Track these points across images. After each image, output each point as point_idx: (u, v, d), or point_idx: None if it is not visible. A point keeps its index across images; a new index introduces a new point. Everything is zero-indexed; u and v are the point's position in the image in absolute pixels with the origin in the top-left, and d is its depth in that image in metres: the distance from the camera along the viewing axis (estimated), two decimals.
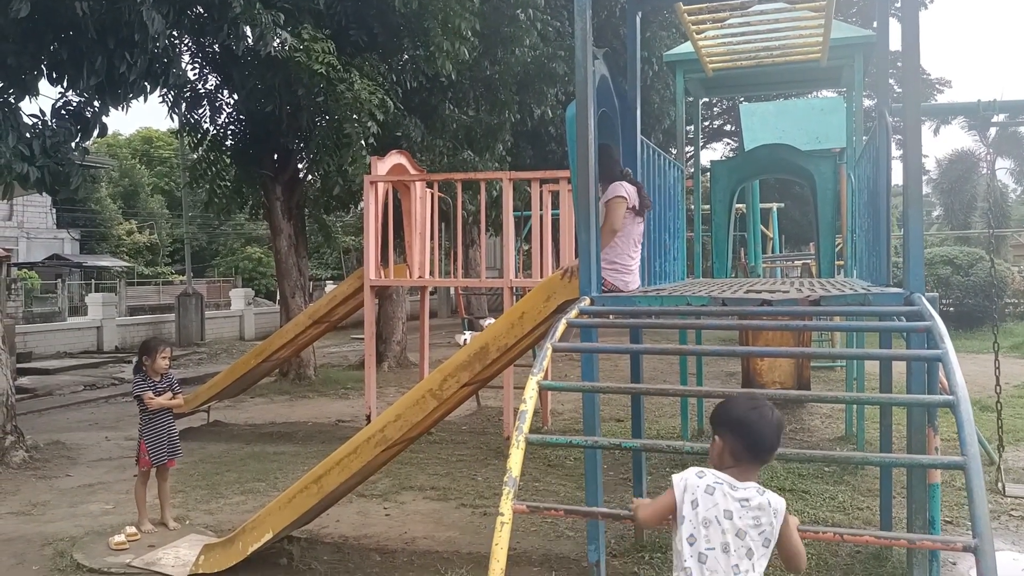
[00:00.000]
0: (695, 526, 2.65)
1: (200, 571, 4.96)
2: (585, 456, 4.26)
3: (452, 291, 26.60)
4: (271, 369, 10.71)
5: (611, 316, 4.10)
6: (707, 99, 15.78)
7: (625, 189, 4.82)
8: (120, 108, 7.99)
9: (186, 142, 13.79)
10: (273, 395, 12.28)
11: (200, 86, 12.91)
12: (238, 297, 24.66)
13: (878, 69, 4.93)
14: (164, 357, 5.89)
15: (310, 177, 13.48)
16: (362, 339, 21.35)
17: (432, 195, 9.32)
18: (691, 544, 2.65)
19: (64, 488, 7.12)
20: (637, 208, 4.83)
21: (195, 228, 37.72)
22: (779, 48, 6.48)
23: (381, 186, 8.60)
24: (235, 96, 12.86)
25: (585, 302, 4.02)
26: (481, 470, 7.41)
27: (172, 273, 40.56)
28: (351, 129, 11.13)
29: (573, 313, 3.80)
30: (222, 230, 47.39)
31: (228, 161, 13.06)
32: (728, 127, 33.55)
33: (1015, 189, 38.47)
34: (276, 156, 13.02)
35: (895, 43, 4.94)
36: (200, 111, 13.03)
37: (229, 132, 13.07)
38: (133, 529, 5.66)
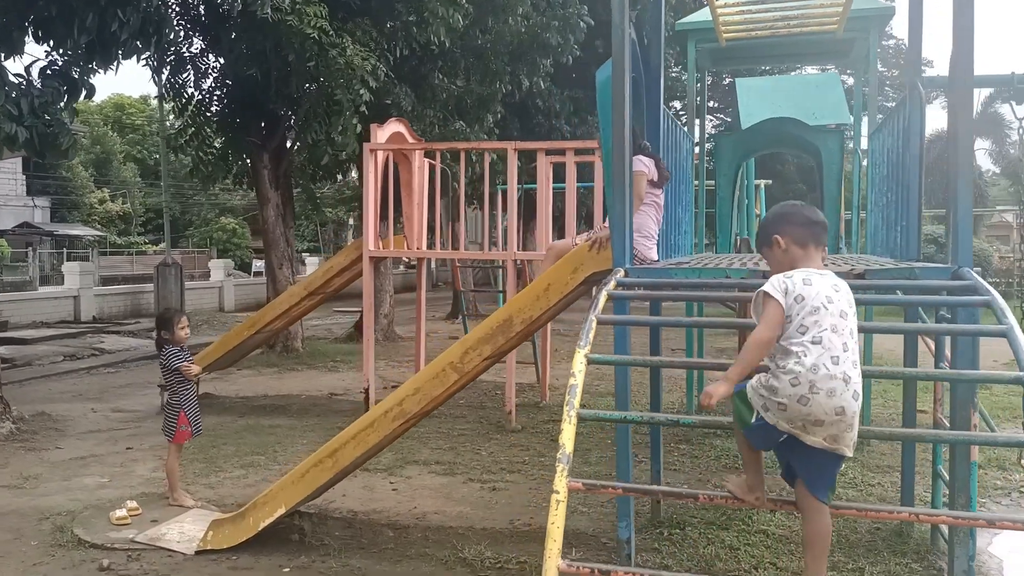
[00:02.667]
0: (804, 317, 2.84)
1: (209, 547, 4.82)
2: (617, 431, 4.14)
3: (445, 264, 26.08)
4: (263, 341, 10.51)
5: (642, 288, 3.97)
6: (712, 72, 15.58)
7: (643, 163, 4.71)
8: (110, 69, 7.69)
9: (170, 108, 13.40)
10: (261, 367, 12.08)
11: (184, 49, 12.54)
12: (218, 268, 24.28)
13: (910, 39, 4.82)
14: (183, 327, 5.71)
15: (298, 145, 13.17)
16: (346, 312, 21.13)
17: (431, 165, 9.11)
18: (803, 333, 2.83)
19: (55, 461, 6.91)
20: (656, 180, 4.73)
21: (168, 197, 37.17)
22: (798, 17, 6.35)
23: (380, 154, 8.38)
24: (221, 60, 12.52)
25: (620, 274, 3.90)
26: (484, 444, 7.30)
27: (145, 243, 39.78)
28: (342, 96, 10.86)
29: (611, 284, 3.68)
30: (196, 200, 46.65)
31: (214, 128, 12.72)
32: (712, 103, 33.43)
33: (987, 171, 38.84)
34: (263, 123, 12.71)
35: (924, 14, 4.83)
36: (184, 75, 12.67)
37: (215, 98, 12.73)
38: (134, 503, 5.49)
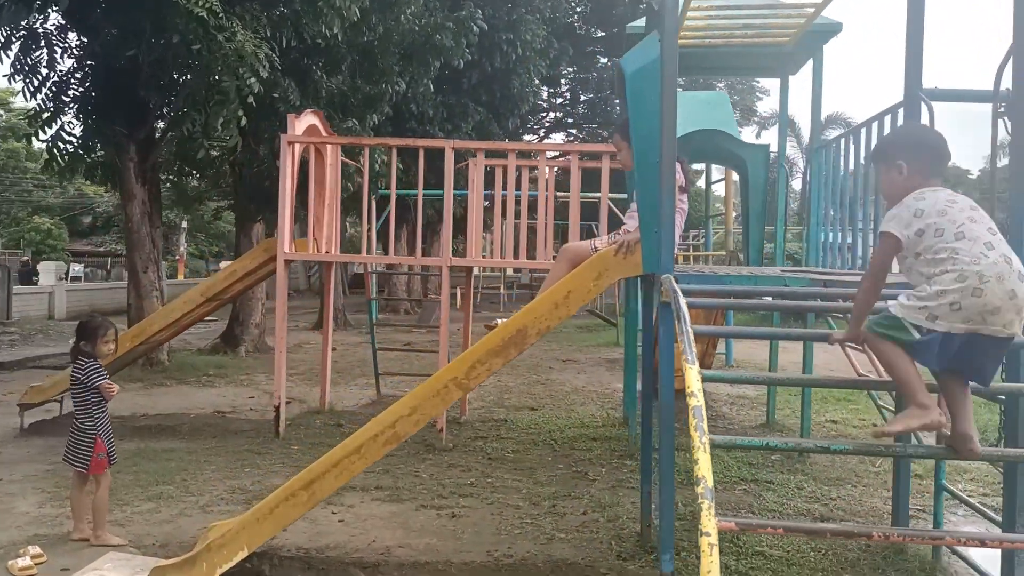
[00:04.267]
0: (934, 221, 2.82)
1: None
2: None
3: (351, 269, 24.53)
4: (144, 354, 9.37)
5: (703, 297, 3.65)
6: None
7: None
8: None
9: (19, 88, 11.86)
10: (123, 383, 10.70)
11: (39, 25, 11.11)
12: (48, 272, 21.96)
13: (909, 48, 4.78)
14: (108, 342, 4.85)
15: (170, 136, 11.98)
16: (206, 323, 19.58)
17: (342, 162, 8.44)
18: (941, 236, 2.79)
19: None
20: (684, 186, 4.41)
21: None
22: (759, 27, 6.29)
23: (298, 148, 7.64)
24: (84, 40, 11.17)
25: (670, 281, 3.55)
26: (420, 465, 6.73)
27: None
28: (230, 85, 9.93)
29: (676, 292, 3.32)
30: (5, 196, 42.44)
31: (74, 113, 11.33)
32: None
33: None
34: (131, 111, 11.43)
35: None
36: (37, 54, 11.21)
37: (75, 80, 11.34)
38: (37, 549, 4.57)
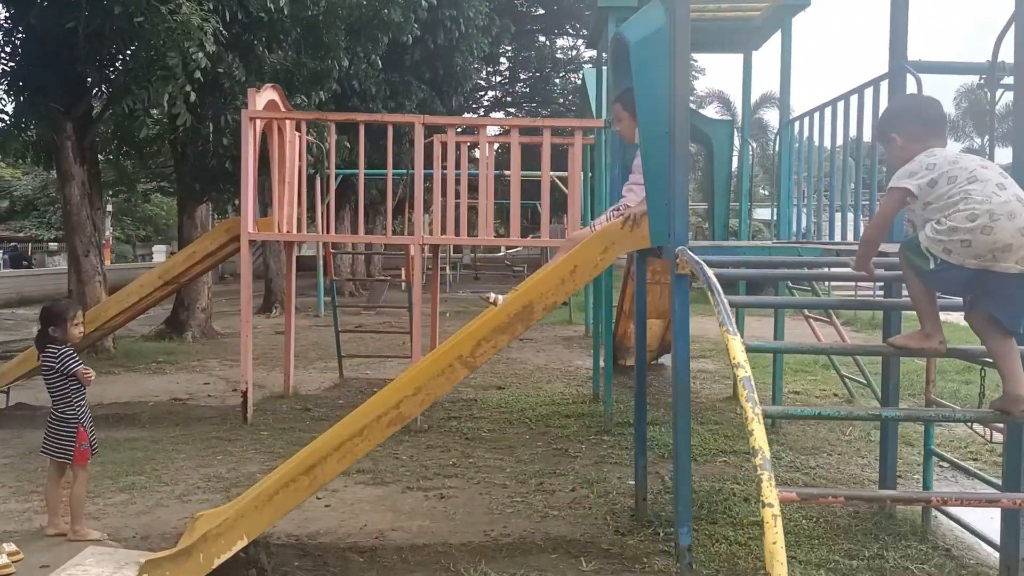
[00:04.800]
0: (947, 169, 2.94)
1: None
2: (678, 430, 3.73)
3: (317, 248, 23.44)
4: (97, 340, 8.97)
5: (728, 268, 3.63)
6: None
7: None
8: None
9: None
10: None
11: None
12: None
13: (893, 20, 4.82)
14: (77, 324, 4.61)
15: (110, 113, 11.45)
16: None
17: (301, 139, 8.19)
18: (953, 181, 2.91)
19: None
20: None
21: None
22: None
23: (259, 124, 7.36)
24: (13, 11, 10.59)
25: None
26: (398, 447, 6.61)
27: None
28: (178, 59, 9.53)
29: (698, 263, 3.29)
30: None
31: (5, 90, 10.74)
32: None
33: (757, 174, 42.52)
34: (68, 87, 10.89)
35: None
36: None
37: (4, 54, 10.74)
38: (13, 547, 4.33)
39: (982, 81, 4.66)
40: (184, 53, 9.45)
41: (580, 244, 4.01)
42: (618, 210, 4.39)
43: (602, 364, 8.19)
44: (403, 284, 23.02)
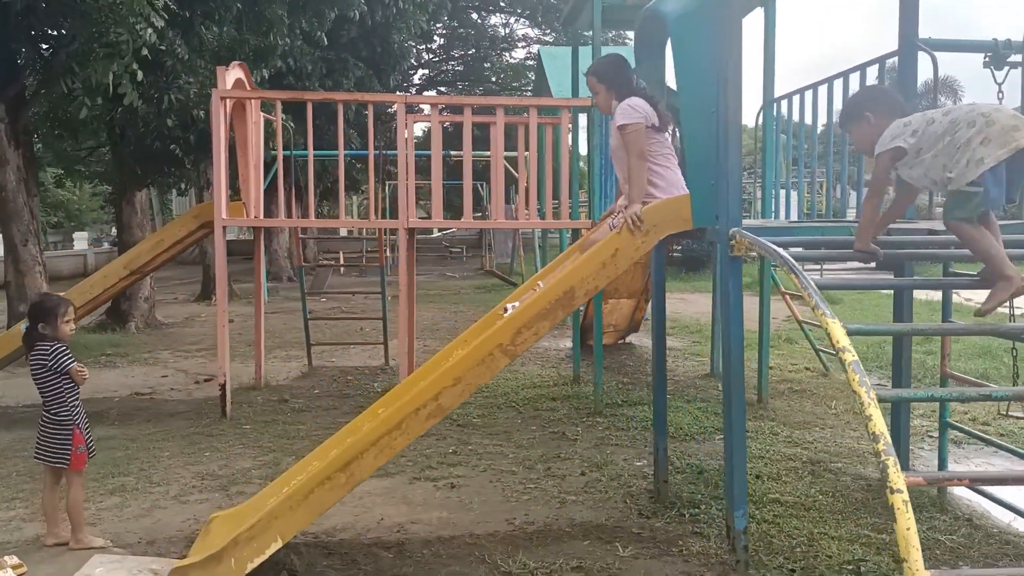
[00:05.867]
0: (925, 118, 3.19)
1: None
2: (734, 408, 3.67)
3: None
4: None
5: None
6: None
7: (638, 110, 4.19)
8: None
9: None
10: (13, 367, 9.78)
11: None
12: None
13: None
14: (68, 320, 4.31)
15: (43, 94, 10.82)
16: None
17: (267, 120, 7.86)
18: (933, 122, 3.14)
19: None
20: (658, 125, 4.26)
21: None
22: None
23: (230, 105, 7.02)
24: None
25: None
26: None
27: None
28: (127, 36, 9.02)
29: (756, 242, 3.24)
30: None
31: None
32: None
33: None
34: None
35: None
36: None
37: None
38: (16, 559, 4.04)
39: (987, 59, 4.75)
40: (130, 29, 8.97)
41: (619, 229, 3.92)
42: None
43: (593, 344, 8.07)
44: (361, 270, 22.64)
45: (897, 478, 2.31)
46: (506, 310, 4.41)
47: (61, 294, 5.85)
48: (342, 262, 21.12)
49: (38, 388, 4.35)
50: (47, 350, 4.29)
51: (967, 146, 3.01)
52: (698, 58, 3.67)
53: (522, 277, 18.07)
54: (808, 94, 5.86)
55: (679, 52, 3.79)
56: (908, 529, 2.25)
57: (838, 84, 5.34)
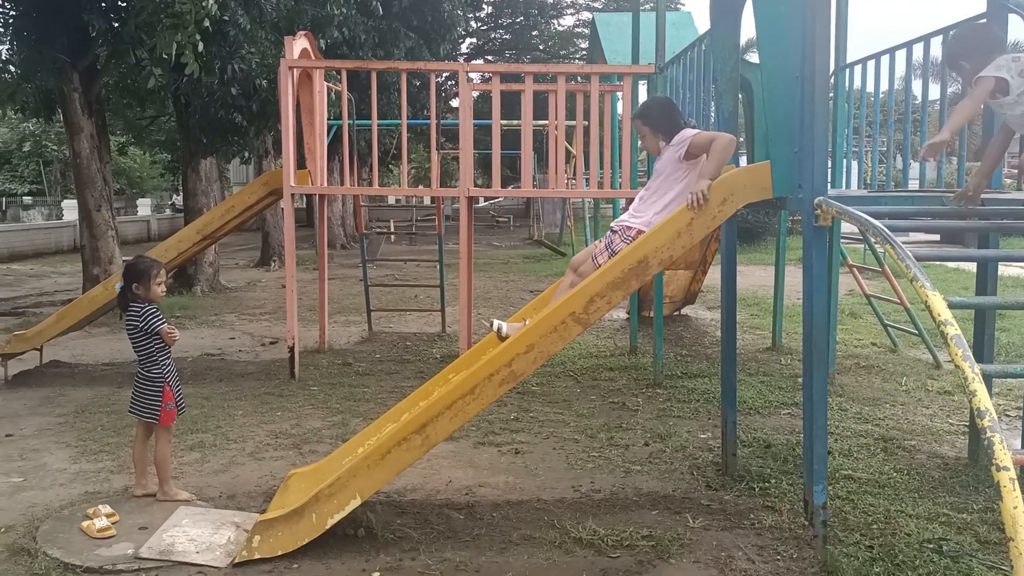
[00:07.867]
0: None
1: (256, 555, 3.80)
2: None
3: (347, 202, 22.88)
4: None
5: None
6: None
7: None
8: None
9: None
10: (88, 328, 10.15)
11: None
12: None
13: None
14: (160, 283, 4.46)
15: (114, 64, 11.07)
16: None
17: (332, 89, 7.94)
18: None
19: None
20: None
21: None
22: None
23: (297, 73, 7.12)
24: None
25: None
26: None
27: None
28: (188, 6, 9.17)
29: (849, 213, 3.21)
30: None
31: (10, 42, 10.31)
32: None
33: None
34: (72, 37, 10.48)
35: None
36: None
37: (8, 4, 10.29)
38: (109, 508, 4.24)
39: None
40: (196, 3, 9.11)
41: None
42: (616, 232, 4.27)
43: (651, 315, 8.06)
44: (412, 239, 22.79)
45: (1004, 455, 2.28)
46: (498, 329, 4.42)
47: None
48: (392, 230, 21.32)
49: (133, 347, 4.52)
50: (139, 311, 4.44)
51: None
52: (780, 22, 3.61)
53: (572, 248, 18.05)
54: (884, 59, 5.71)
55: (762, 12, 3.74)
56: (1016, 508, 2.22)
57: (918, 48, 5.20)
